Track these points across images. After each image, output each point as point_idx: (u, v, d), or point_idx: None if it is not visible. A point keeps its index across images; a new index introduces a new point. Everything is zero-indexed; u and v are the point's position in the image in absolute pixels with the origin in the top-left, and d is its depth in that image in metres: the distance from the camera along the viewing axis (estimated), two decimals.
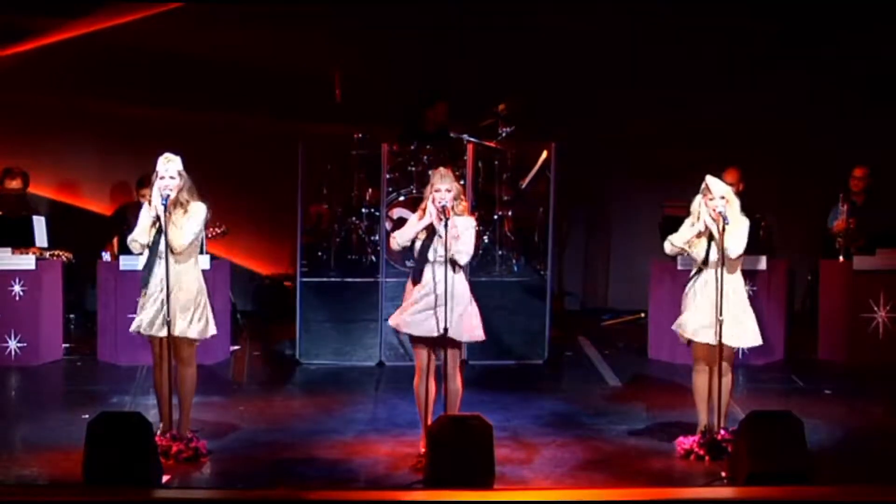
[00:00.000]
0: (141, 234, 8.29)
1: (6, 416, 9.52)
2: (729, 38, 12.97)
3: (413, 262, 8.43)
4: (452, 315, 8.12)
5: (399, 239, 8.30)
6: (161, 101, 12.90)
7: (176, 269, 8.25)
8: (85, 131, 13.14)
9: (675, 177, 11.80)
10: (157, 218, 8.18)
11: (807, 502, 7.51)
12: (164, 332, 8.26)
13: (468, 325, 8.23)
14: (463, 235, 8.18)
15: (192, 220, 8.30)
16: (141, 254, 8.37)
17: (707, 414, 8.47)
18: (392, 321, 8.37)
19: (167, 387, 8.39)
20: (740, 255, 8.33)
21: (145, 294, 8.33)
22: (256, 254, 13.17)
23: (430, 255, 8.15)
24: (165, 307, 8.21)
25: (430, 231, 8.16)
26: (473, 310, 8.28)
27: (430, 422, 8.14)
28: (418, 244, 8.21)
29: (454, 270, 8.19)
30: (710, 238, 8.30)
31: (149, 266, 8.26)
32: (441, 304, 8.07)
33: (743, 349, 8.89)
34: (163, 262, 8.20)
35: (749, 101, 13.01)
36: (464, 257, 8.21)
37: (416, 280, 8.18)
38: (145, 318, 8.31)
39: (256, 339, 12.11)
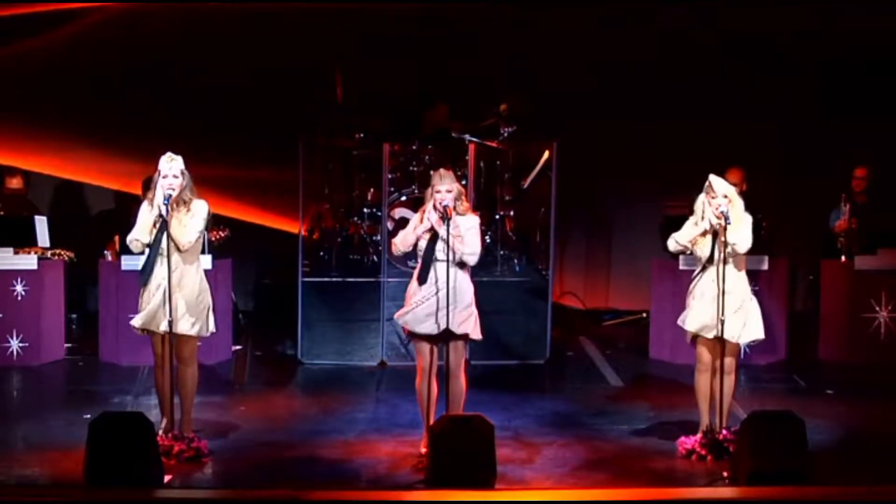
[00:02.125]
0: (142, 233, 8.29)
1: (8, 415, 9.52)
2: (729, 36, 12.96)
3: (415, 263, 8.45)
4: (454, 314, 8.13)
5: (400, 245, 8.31)
6: (161, 100, 12.90)
7: (179, 269, 8.28)
8: (86, 131, 13.14)
9: (677, 177, 11.80)
10: (161, 216, 8.20)
11: (808, 502, 7.51)
12: (164, 328, 8.27)
13: (468, 322, 8.25)
14: (466, 236, 8.20)
15: (196, 217, 8.32)
16: (142, 253, 8.38)
17: (709, 414, 8.48)
18: (397, 315, 8.39)
19: (169, 386, 8.40)
20: (747, 251, 8.36)
21: (145, 292, 8.34)
22: (258, 254, 13.17)
23: (437, 256, 8.16)
24: (167, 305, 8.23)
25: (434, 232, 8.17)
26: (474, 310, 8.30)
27: (432, 421, 8.15)
28: (423, 243, 8.20)
29: (459, 269, 8.21)
30: (715, 236, 8.31)
31: (150, 264, 8.26)
32: (443, 306, 8.08)
33: (745, 349, 8.87)
34: (164, 260, 8.23)
35: (750, 101, 13.01)
36: (471, 258, 8.24)
37: (422, 280, 8.18)
38: (147, 314, 8.30)
39: (258, 339, 12.11)
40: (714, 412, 8.44)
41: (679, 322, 8.58)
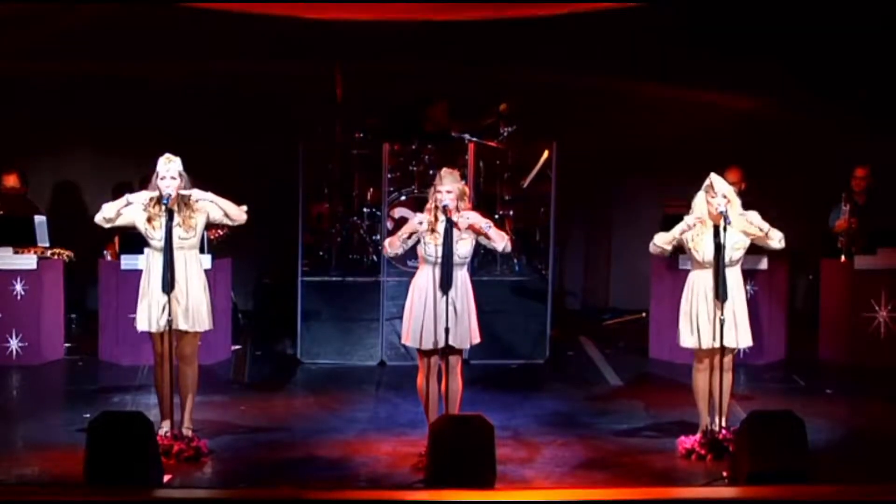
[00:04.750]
0: (110, 210, 8.32)
1: (7, 415, 9.53)
2: (730, 36, 12.96)
3: (415, 262, 8.44)
4: (457, 320, 8.11)
5: (389, 248, 8.29)
6: (160, 99, 12.89)
7: (186, 265, 8.32)
8: (85, 130, 13.14)
9: (676, 176, 11.80)
10: (168, 215, 8.22)
11: (807, 502, 7.51)
12: (184, 326, 8.35)
13: (470, 330, 8.24)
14: (490, 231, 8.19)
15: (214, 196, 8.39)
16: (106, 224, 8.40)
17: (708, 413, 8.48)
18: (404, 339, 8.34)
19: (169, 385, 8.41)
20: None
21: (153, 293, 8.34)
22: (257, 253, 13.16)
23: (432, 259, 8.14)
24: (183, 303, 8.29)
25: (448, 237, 8.09)
26: (473, 312, 8.28)
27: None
28: (435, 249, 8.16)
29: (462, 272, 8.19)
30: (717, 237, 8.29)
31: (169, 266, 8.25)
32: (452, 315, 8.06)
33: (745, 348, 8.88)
34: (181, 258, 8.29)
35: (750, 100, 13.01)
36: (508, 247, 8.27)
37: (445, 289, 8.09)
38: (166, 314, 8.30)
39: (257, 339, 12.11)
40: (714, 410, 8.44)
41: (682, 345, 8.57)
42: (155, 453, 7.70)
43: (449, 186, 8.14)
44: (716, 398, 8.38)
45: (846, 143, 12.65)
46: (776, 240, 8.42)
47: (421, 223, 8.19)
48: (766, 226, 8.38)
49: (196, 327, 8.44)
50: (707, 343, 8.38)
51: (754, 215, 8.40)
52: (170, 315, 8.23)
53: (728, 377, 8.44)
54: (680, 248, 8.62)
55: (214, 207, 8.42)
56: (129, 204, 8.33)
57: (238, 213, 8.54)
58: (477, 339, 8.35)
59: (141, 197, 8.36)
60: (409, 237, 8.20)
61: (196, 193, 8.37)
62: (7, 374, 10.73)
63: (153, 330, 8.39)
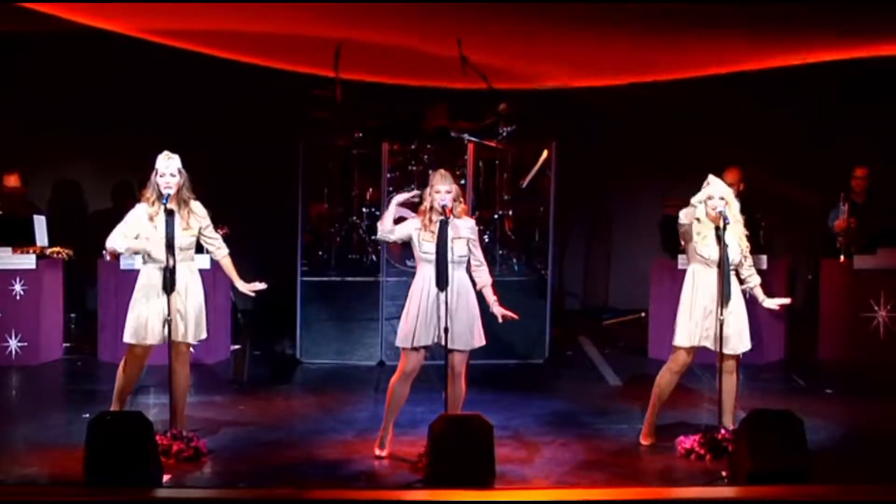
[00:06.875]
0: (120, 240, 8.32)
1: (7, 415, 9.52)
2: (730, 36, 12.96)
3: (414, 262, 8.44)
4: (455, 319, 8.09)
5: (380, 227, 8.27)
6: (160, 99, 12.89)
7: (186, 274, 8.30)
8: (85, 130, 13.14)
9: (676, 176, 11.81)
10: (168, 214, 8.19)
11: (807, 502, 7.51)
12: (181, 338, 8.32)
13: (476, 330, 8.23)
14: (476, 251, 8.21)
15: (207, 224, 8.41)
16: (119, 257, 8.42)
17: (656, 415, 8.45)
18: (399, 341, 8.27)
19: (132, 383, 8.49)
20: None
21: (152, 303, 8.31)
22: (257, 253, 13.15)
23: (429, 257, 8.13)
24: (183, 312, 8.28)
25: (442, 235, 8.08)
26: (477, 314, 8.27)
27: (392, 424, 8.24)
28: (427, 246, 8.16)
29: (462, 271, 8.18)
30: (718, 239, 8.28)
31: (172, 266, 8.23)
32: (443, 308, 8.06)
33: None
34: (184, 262, 8.29)
35: (750, 100, 13.01)
36: (483, 272, 8.28)
37: (442, 285, 8.07)
38: (160, 326, 8.27)
39: (257, 339, 12.10)
40: (724, 412, 8.43)
41: (675, 343, 8.54)
42: (154, 453, 7.70)
43: (448, 187, 8.15)
44: (724, 401, 8.38)
45: (846, 143, 12.65)
46: (745, 271, 8.42)
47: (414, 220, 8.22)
48: (747, 252, 8.38)
49: (202, 336, 8.45)
50: (695, 340, 8.36)
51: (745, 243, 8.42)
52: (170, 317, 8.20)
53: (732, 378, 8.43)
54: (679, 248, 8.60)
55: (207, 227, 8.40)
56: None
57: (217, 247, 8.51)
58: (482, 342, 8.32)
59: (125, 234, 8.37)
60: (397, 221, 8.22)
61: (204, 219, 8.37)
62: (6, 374, 10.74)
63: (148, 343, 8.35)
